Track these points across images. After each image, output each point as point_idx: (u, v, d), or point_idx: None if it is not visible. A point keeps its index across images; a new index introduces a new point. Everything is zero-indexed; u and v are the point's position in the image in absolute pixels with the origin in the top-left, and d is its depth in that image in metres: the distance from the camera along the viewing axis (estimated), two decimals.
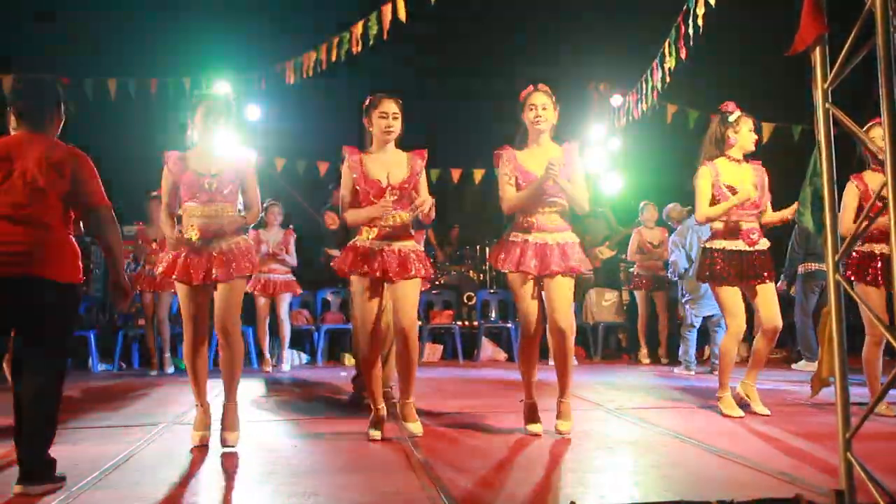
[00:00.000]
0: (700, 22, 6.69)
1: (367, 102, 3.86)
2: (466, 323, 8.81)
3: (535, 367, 4.01)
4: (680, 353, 7.16)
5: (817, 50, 2.52)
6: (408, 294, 3.75)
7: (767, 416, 4.34)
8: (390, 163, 3.83)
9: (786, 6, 3.01)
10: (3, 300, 2.91)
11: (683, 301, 7.15)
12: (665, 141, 9.88)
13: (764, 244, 4.44)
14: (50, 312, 2.97)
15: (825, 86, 2.49)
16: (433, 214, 3.84)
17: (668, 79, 7.99)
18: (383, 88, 3.89)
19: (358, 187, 3.80)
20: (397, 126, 3.82)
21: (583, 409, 4.67)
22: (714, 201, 4.41)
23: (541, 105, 3.86)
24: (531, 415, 3.94)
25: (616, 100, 10.44)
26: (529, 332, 3.89)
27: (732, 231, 4.42)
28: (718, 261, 4.41)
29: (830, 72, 2.48)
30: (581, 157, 3.97)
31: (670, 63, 7.58)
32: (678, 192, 7.54)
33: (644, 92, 8.87)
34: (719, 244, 4.46)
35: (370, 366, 3.84)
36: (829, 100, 2.49)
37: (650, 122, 9.55)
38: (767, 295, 4.42)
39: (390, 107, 3.80)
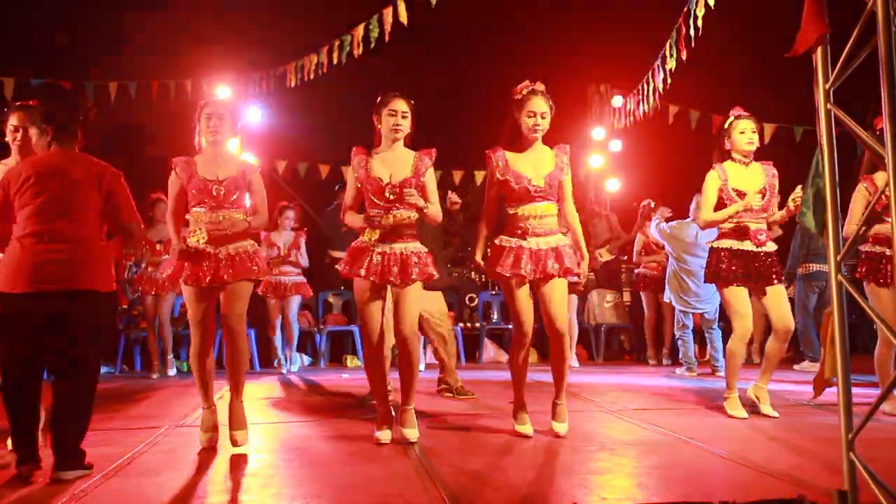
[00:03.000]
0: (700, 23, 6.69)
1: (378, 100, 3.82)
2: (468, 325, 8.80)
3: (526, 370, 4.00)
4: (680, 354, 7.16)
5: (819, 51, 2.52)
6: (409, 300, 3.73)
7: (775, 418, 4.31)
8: (395, 161, 3.79)
9: (787, 7, 3.02)
10: (49, 312, 3.13)
11: (667, 300, 7.18)
12: (666, 142, 9.89)
13: (771, 246, 4.41)
14: (94, 321, 3.23)
15: (827, 86, 2.49)
16: (439, 215, 3.87)
17: (668, 80, 8.00)
18: (383, 91, 3.83)
19: (359, 185, 3.79)
20: (406, 125, 3.78)
21: (585, 410, 4.67)
22: (722, 205, 4.39)
23: (540, 113, 3.80)
24: (522, 417, 3.93)
25: (617, 101, 10.46)
26: (524, 335, 3.87)
27: (740, 231, 4.39)
28: (725, 260, 4.36)
29: (832, 72, 2.48)
30: (567, 161, 3.91)
31: (671, 64, 7.59)
32: (679, 194, 7.54)
33: (645, 93, 8.88)
34: (726, 244, 4.42)
35: (372, 365, 3.86)
36: (831, 100, 2.49)
37: (651, 123, 9.56)
38: (777, 296, 4.38)
39: (399, 105, 3.76)
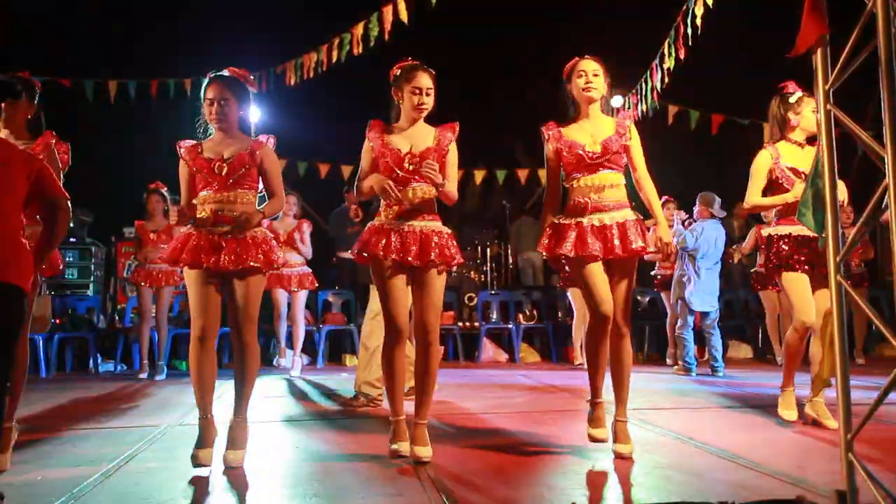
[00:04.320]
0: (699, 22, 6.70)
1: (397, 72, 3.49)
2: (467, 324, 8.80)
3: (605, 362, 3.48)
4: (679, 354, 7.16)
5: (818, 51, 2.51)
6: (432, 286, 3.38)
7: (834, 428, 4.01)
8: (416, 135, 3.46)
9: (786, 7, 3.01)
10: None
11: (674, 301, 7.15)
12: (666, 142, 9.89)
13: None
14: (9, 317, 2.79)
15: (826, 87, 2.49)
16: (455, 195, 3.50)
17: (667, 79, 8.00)
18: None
19: (375, 156, 3.44)
20: (430, 102, 3.44)
21: (584, 410, 4.66)
22: (776, 184, 4.12)
23: (591, 71, 3.47)
24: (598, 418, 3.49)
25: (616, 100, 10.45)
26: (604, 318, 3.34)
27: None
28: (785, 247, 4.06)
29: (832, 73, 2.48)
30: (631, 124, 3.60)
31: (669, 63, 7.59)
32: (678, 194, 7.54)
33: (644, 92, 8.88)
34: (785, 230, 4.10)
35: (392, 361, 3.42)
36: (831, 101, 2.49)
37: (651, 122, 9.56)
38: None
39: (425, 81, 3.42)
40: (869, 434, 2.52)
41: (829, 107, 2.48)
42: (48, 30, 9.08)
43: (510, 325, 8.70)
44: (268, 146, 3.49)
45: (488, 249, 10.15)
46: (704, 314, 7.02)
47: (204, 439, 3.27)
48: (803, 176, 4.08)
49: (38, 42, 8.95)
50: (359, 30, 7.67)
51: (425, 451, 3.31)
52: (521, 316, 8.90)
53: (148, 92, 8.83)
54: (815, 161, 2.68)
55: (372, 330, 5.06)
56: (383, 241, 3.34)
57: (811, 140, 4.24)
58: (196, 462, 3.20)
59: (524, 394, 5.69)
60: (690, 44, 7.00)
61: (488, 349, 8.62)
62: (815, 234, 4.04)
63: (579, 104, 3.55)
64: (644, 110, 9.19)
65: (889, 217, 2.31)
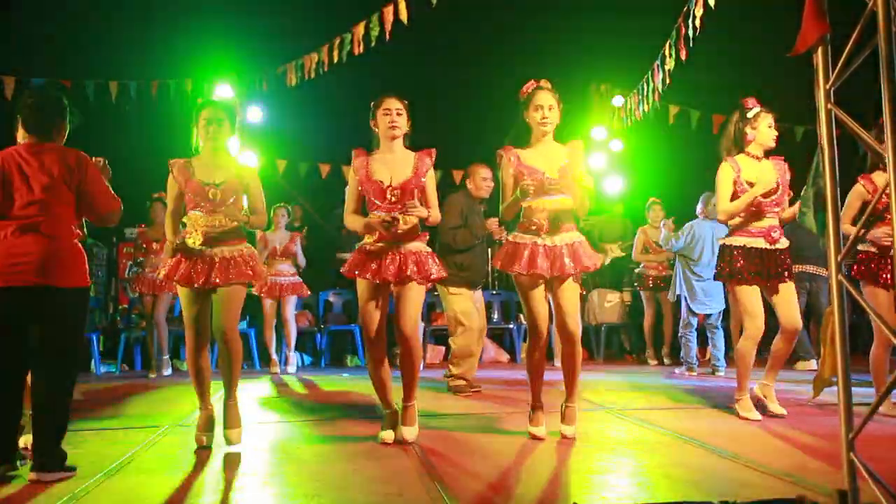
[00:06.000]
0: (698, 23, 6.70)
1: (371, 104, 3.83)
2: None
3: (542, 371, 3.93)
4: (681, 353, 7.16)
5: (819, 51, 2.51)
6: (409, 298, 3.72)
7: (783, 416, 4.28)
8: (395, 162, 3.78)
9: (787, 7, 3.01)
10: (17, 307, 3.09)
11: (681, 302, 7.15)
12: (667, 141, 9.89)
13: (784, 243, 4.31)
14: (61, 317, 3.16)
15: (827, 87, 2.49)
16: (438, 216, 3.87)
17: (668, 80, 8.00)
18: (385, 90, 3.84)
19: (361, 188, 3.79)
20: (401, 122, 3.77)
21: (585, 409, 4.66)
22: (735, 196, 4.29)
23: (547, 106, 3.79)
24: (537, 418, 3.88)
25: (618, 100, 10.45)
26: (540, 336, 3.82)
27: (753, 228, 4.30)
28: (738, 259, 4.27)
29: (832, 73, 2.48)
30: (585, 156, 3.91)
31: (670, 64, 7.59)
32: (680, 193, 7.55)
33: (645, 92, 8.88)
34: (739, 241, 4.32)
35: (373, 365, 3.81)
36: (832, 101, 2.49)
37: (652, 122, 9.56)
38: (787, 294, 4.31)
39: (392, 103, 3.76)
40: (870, 433, 2.52)
41: (829, 106, 2.48)
42: (49, 29, 9.08)
43: (511, 326, 8.71)
44: (254, 173, 3.90)
45: (489, 250, 10.12)
46: (707, 313, 7.03)
47: (204, 425, 3.75)
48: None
49: (38, 42, 8.95)
50: (359, 29, 7.67)
51: (410, 432, 3.73)
52: (522, 316, 8.89)
53: (148, 92, 8.84)
54: (815, 161, 2.68)
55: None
56: (366, 264, 3.70)
57: (768, 154, 4.43)
58: (199, 443, 3.69)
59: (525, 393, 5.68)
60: (692, 45, 7.00)
61: (490, 349, 8.61)
62: (767, 247, 4.24)
63: (534, 132, 3.87)
64: (645, 110, 9.18)
65: None
